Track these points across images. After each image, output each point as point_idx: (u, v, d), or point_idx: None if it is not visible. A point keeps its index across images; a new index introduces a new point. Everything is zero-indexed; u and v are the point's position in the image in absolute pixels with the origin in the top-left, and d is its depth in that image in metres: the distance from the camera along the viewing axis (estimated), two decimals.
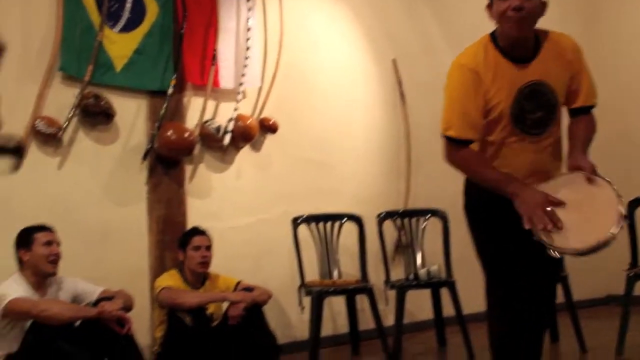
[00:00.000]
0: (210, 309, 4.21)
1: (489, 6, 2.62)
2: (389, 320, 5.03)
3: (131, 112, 4.58)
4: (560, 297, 4.89)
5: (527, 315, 2.70)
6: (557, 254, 2.45)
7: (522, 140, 2.65)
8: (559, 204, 2.47)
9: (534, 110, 2.62)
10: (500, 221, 2.65)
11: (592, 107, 2.74)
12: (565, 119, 2.78)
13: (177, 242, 4.35)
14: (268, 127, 5.12)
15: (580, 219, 2.46)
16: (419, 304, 5.52)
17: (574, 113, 2.74)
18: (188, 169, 4.80)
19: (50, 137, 4.19)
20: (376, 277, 5.18)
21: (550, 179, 2.62)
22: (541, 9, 2.59)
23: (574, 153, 2.65)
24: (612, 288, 6.60)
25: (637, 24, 7.22)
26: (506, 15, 2.52)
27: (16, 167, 4.00)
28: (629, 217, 4.80)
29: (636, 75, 7.17)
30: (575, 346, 4.71)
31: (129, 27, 4.52)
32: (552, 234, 2.43)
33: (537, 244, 2.46)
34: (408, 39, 5.99)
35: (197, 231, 4.31)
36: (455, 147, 2.66)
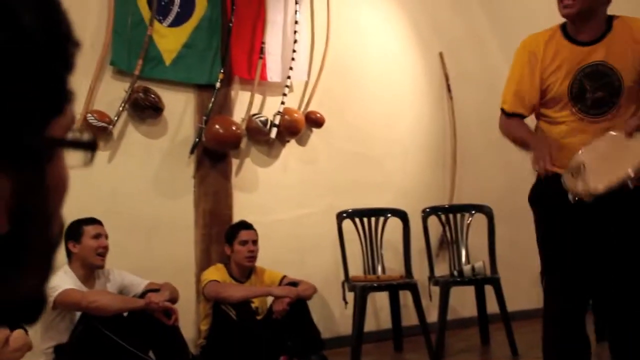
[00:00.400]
0: (255, 303, 4.24)
1: None
2: (432, 316, 5.00)
3: (179, 106, 4.63)
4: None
5: (565, 316, 2.75)
6: (572, 199, 2.52)
7: (581, 120, 2.69)
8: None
9: (595, 90, 2.66)
10: (563, 219, 2.70)
11: None
12: None
13: (224, 235, 4.39)
14: (314, 121, 5.13)
15: (605, 165, 2.53)
16: (463, 301, 5.49)
17: None
18: (235, 162, 4.83)
19: (100, 131, 4.25)
20: (420, 272, 5.16)
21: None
22: None
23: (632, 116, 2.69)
24: None
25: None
26: (560, 2, 2.68)
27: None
28: None
29: None
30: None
31: (178, 21, 4.56)
32: (577, 180, 2.49)
33: (598, 249, 2.58)
34: (455, 32, 5.93)
35: (244, 225, 4.34)
36: (505, 118, 2.87)
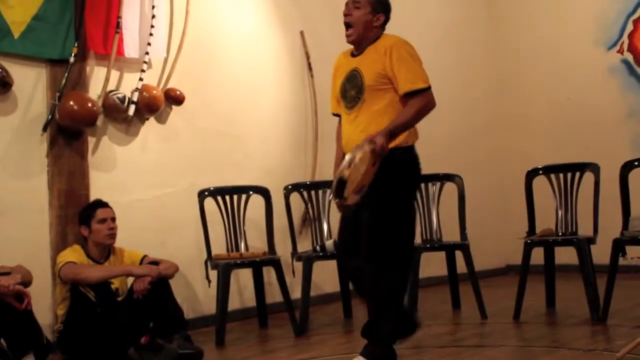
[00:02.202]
0: (115, 283, 4.12)
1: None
2: (297, 293, 5.06)
3: (30, 81, 4.40)
4: (461, 267, 5.07)
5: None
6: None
7: (345, 113, 3.53)
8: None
9: (350, 89, 3.46)
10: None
11: (412, 92, 3.34)
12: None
13: (78, 217, 4.23)
14: (174, 99, 5.03)
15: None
16: (326, 277, 5.58)
17: (404, 97, 3.38)
18: (91, 140, 4.66)
19: None
20: (284, 250, 5.20)
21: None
22: (369, 19, 3.45)
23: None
24: (511, 258, 6.86)
25: (536, 8, 7.44)
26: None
27: None
28: (527, 187, 5.02)
29: (537, 50, 7.40)
30: (476, 313, 4.87)
31: None
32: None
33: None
34: (316, 10, 5.97)
35: (100, 203, 4.20)
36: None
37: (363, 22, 3.44)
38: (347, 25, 3.46)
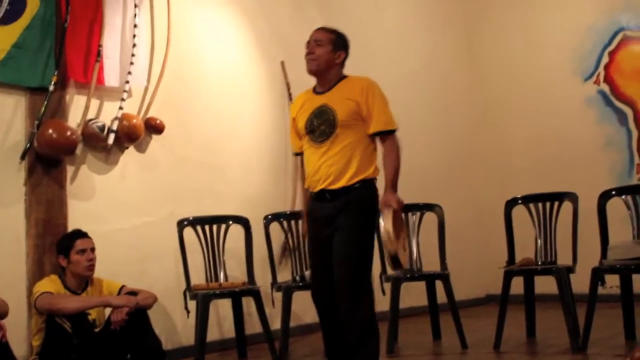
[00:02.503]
0: (93, 314, 4.06)
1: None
2: (276, 324, 5.02)
3: (9, 109, 4.37)
4: (441, 297, 5.06)
5: None
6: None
7: (312, 147, 3.60)
8: None
9: (320, 125, 3.56)
10: None
11: (384, 132, 3.57)
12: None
13: (57, 247, 4.17)
14: (154, 128, 5.02)
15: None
16: (306, 307, 5.54)
17: (373, 136, 3.59)
18: (70, 169, 4.62)
19: None
20: (263, 280, 5.16)
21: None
22: (330, 56, 3.61)
23: (385, 189, 3.58)
24: (491, 288, 6.87)
25: (518, 29, 7.55)
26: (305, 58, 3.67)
27: None
28: (506, 217, 5.04)
29: (515, 81, 7.49)
30: (456, 343, 4.85)
31: (7, 19, 4.30)
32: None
33: None
34: (297, 41, 5.95)
35: (79, 234, 4.15)
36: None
37: (325, 60, 3.61)
38: (310, 59, 3.64)
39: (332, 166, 3.52)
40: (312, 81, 3.88)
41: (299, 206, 5.72)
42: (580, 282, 4.74)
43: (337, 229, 3.51)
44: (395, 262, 3.42)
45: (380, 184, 3.64)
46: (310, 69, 3.64)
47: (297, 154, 3.86)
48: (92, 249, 4.12)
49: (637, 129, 6.78)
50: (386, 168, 3.60)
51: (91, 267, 4.10)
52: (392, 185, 3.56)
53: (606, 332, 4.93)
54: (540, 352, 4.61)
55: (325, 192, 3.55)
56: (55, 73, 4.43)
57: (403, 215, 5.18)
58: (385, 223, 3.42)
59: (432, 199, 5.44)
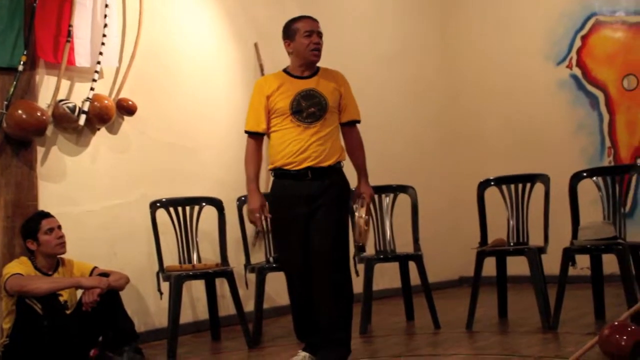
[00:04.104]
0: (64, 296, 4.03)
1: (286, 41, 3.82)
2: (250, 306, 5.01)
3: None
4: (415, 280, 5.09)
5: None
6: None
7: (298, 127, 3.70)
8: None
9: (309, 107, 3.70)
10: None
11: (356, 122, 3.88)
12: None
13: (22, 232, 4.12)
14: (126, 109, 4.97)
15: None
16: (279, 289, 5.54)
17: (345, 124, 3.85)
18: (40, 150, 4.57)
19: None
20: (237, 262, 5.16)
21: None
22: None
23: (358, 180, 3.89)
24: (464, 271, 6.92)
25: (491, 15, 7.57)
26: (309, 48, 3.74)
27: None
28: (479, 198, 5.08)
29: (488, 65, 7.52)
30: (429, 323, 4.89)
31: None
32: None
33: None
34: (270, 23, 5.96)
35: (43, 214, 4.11)
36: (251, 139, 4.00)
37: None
38: (318, 50, 3.77)
39: (322, 145, 3.71)
40: (286, 63, 3.89)
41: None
42: (552, 264, 4.80)
43: (320, 207, 3.68)
44: (362, 249, 3.85)
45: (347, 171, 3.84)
46: (316, 60, 3.79)
47: (258, 134, 3.84)
48: (59, 227, 4.08)
49: (609, 113, 6.85)
50: (358, 157, 3.90)
51: (62, 244, 4.07)
52: (366, 174, 3.88)
53: (576, 311, 4.99)
54: (512, 331, 4.65)
55: (309, 170, 3.68)
56: (25, 53, 4.38)
57: (376, 196, 5.21)
58: (360, 216, 3.73)
59: (406, 182, 5.45)
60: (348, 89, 3.87)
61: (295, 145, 3.70)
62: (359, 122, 3.91)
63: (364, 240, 3.80)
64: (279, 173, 3.78)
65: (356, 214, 3.77)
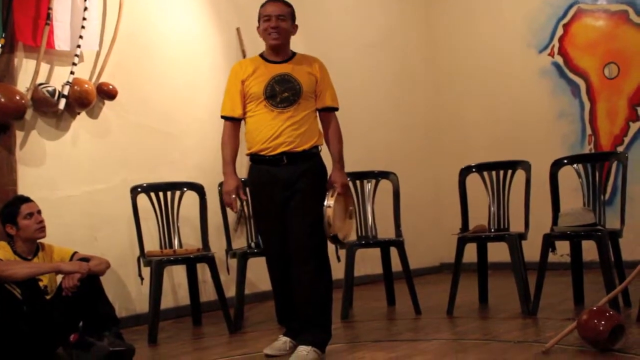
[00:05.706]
0: (44, 281, 4.00)
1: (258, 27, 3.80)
2: (231, 291, 5.01)
3: None
4: (396, 266, 5.10)
5: None
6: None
7: (272, 111, 3.68)
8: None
9: (283, 91, 3.68)
10: None
11: (334, 108, 3.81)
12: None
13: (1, 216, 4.08)
14: (106, 93, 4.93)
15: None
16: (261, 274, 5.53)
17: (322, 111, 3.80)
18: (19, 135, 4.53)
19: None
20: (218, 247, 5.14)
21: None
22: (290, 29, 3.76)
23: (332, 168, 3.78)
24: (445, 257, 6.95)
25: (474, 3, 7.57)
26: (269, 35, 3.74)
27: None
28: (460, 185, 5.09)
29: (471, 53, 7.53)
30: (410, 309, 4.91)
31: None
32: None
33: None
34: (252, 7, 5.88)
35: (22, 198, 4.07)
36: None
37: (286, 33, 3.76)
38: (277, 34, 3.73)
39: (297, 130, 3.66)
40: None
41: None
42: (532, 251, 4.82)
43: (296, 192, 3.64)
44: (336, 240, 3.68)
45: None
46: (276, 44, 3.72)
47: (233, 119, 3.82)
48: (39, 212, 4.04)
49: (590, 101, 6.88)
50: (335, 144, 3.81)
51: (42, 229, 4.02)
52: (341, 162, 3.79)
53: (556, 297, 5.03)
54: (492, 316, 4.68)
55: (284, 156, 3.64)
56: (3, 36, 4.34)
57: (358, 182, 5.21)
58: (328, 206, 3.62)
59: (388, 168, 5.45)
60: (325, 76, 3.81)
61: (269, 131, 3.67)
62: (336, 109, 3.83)
63: (334, 231, 3.63)
64: (256, 158, 3.77)
65: (324, 203, 3.64)
